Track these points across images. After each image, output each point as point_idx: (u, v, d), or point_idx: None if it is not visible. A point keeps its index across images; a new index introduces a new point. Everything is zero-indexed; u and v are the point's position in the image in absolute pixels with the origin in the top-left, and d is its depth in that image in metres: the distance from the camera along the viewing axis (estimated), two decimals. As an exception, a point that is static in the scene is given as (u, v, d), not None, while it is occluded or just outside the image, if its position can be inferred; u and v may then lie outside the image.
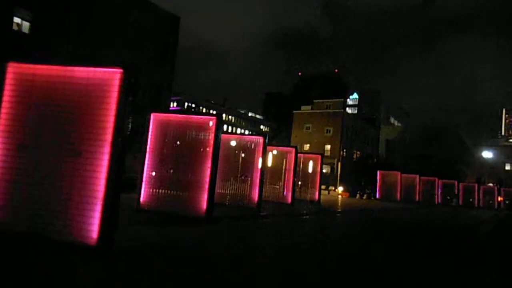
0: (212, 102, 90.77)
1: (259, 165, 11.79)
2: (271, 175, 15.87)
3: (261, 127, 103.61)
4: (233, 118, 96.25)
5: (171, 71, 20.27)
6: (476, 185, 46.49)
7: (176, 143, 8.69)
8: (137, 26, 18.06)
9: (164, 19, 19.37)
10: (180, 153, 8.63)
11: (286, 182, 15.78)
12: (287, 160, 15.87)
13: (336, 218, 14.01)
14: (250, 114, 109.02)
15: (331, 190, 39.10)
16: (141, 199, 8.42)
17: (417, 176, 36.98)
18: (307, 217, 12.49)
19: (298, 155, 18.29)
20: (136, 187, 8.40)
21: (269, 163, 15.82)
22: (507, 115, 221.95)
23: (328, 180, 37.70)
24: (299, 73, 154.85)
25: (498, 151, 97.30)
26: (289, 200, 15.28)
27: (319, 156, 19.45)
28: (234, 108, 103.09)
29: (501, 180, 73.93)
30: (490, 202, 48.16)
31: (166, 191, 8.47)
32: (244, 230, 7.98)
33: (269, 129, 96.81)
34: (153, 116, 8.82)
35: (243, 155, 12.15)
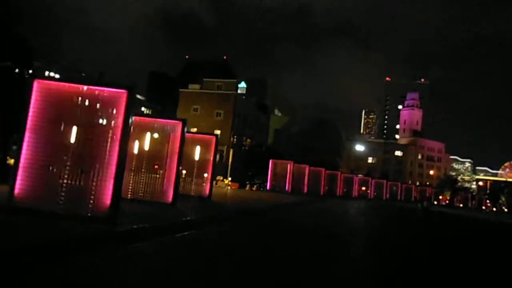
0: (83, 74, 77.28)
1: (118, 143, 6.50)
2: (148, 160, 10.65)
3: (143, 109, 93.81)
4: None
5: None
6: (354, 176, 48.73)
7: None
8: None
9: None
10: None
11: (167, 171, 10.68)
12: (171, 139, 10.75)
13: (235, 231, 9.06)
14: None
15: (219, 180, 35.25)
16: None
17: (307, 167, 35.76)
18: (194, 232, 7.42)
19: (186, 134, 13.41)
20: None
21: (147, 143, 10.59)
22: (365, 116, 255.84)
23: (216, 169, 33.53)
24: (187, 56, 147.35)
25: (364, 146, 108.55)
26: (170, 198, 10.25)
27: (213, 138, 14.77)
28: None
29: (368, 172, 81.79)
30: (363, 192, 51.60)
31: None
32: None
33: (153, 111, 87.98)
34: None
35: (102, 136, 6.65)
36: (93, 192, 6.37)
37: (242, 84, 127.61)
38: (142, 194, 10.50)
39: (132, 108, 6.74)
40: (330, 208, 21.35)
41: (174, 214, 8.41)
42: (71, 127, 6.59)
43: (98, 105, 6.64)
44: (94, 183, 6.41)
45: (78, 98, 6.67)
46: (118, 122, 6.57)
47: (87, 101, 6.71)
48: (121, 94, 6.65)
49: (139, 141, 10.42)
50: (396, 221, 16.51)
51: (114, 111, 6.60)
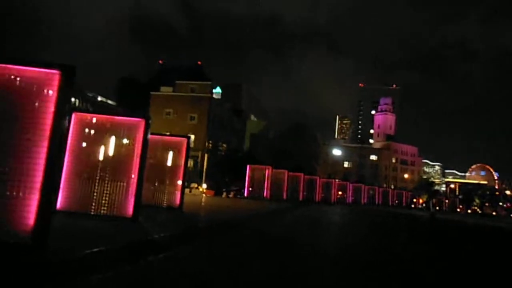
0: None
1: (47, 143, 4.79)
2: (113, 166, 8.90)
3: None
4: (77, 101, 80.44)
5: None
6: (333, 181, 47.83)
7: None
8: None
9: None
10: None
11: (131, 179, 8.95)
12: (135, 142, 9.04)
13: (201, 254, 6.55)
14: (100, 98, 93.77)
15: (193, 187, 33.35)
16: None
17: (286, 172, 34.49)
18: (148, 261, 5.55)
19: (153, 137, 11.71)
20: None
21: (111, 147, 8.89)
22: (339, 121, 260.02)
23: (190, 176, 31.58)
24: (160, 61, 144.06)
25: (340, 151, 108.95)
26: (130, 210, 8.52)
27: (184, 140, 13.10)
28: (79, 90, 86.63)
29: (345, 176, 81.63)
30: (342, 197, 50.88)
31: None
32: None
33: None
34: None
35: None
36: (9, 209, 4.62)
37: (217, 90, 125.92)
38: (105, 208, 8.73)
39: (68, 95, 5.04)
40: (313, 215, 20.04)
41: (130, 233, 6.69)
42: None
43: (20, 91, 4.92)
44: (12, 197, 4.67)
45: (-7, 82, 4.92)
46: (47, 114, 4.86)
47: (7, 86, 4.97)
48: (52, 76, 4.93)
49: (88, 143, 8.67)
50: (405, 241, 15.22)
51: (42, 100, 4.91)
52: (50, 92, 4.92)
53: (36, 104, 4.88)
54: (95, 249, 4.96)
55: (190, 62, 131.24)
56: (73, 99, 75.91)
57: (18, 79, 4.86)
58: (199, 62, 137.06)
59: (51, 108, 4.88)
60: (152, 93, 49.06)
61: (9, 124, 4.80)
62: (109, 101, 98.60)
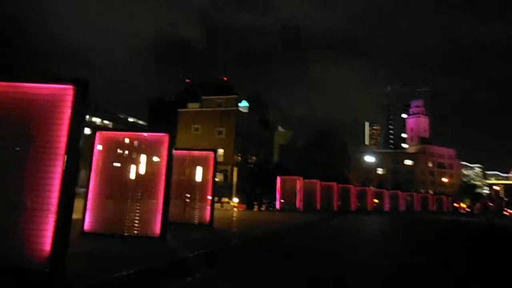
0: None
1: (62, 162, 4.51)
2: (138, 183, 8.68)
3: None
4: (110, 123, 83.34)
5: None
6: (368, 189, 46.07)
7: None
8: None
9: None
10: None
11: (157, 196, 8.68)
12: (160, 157, 8.81)
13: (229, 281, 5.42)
14: (131, 119, 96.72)
15: (224, 202, 33.02)
16: None
17: (318, 182, 33.48)
18: (179, 283, 5.05)
19: (179, 152, 11.54)
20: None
21: (137, 164, 8.73)
22: (370, 128, 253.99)
23: (221, 190, 31.31)
24: (187, 80, 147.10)
25: (373, 157, 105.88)
26: (158, 230, 8.19)
27: (211, 154, 12.80)
28: (112, 112, 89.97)
29: (379, 183, 78.95)
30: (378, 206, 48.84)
31: None
32: None
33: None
34: None
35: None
36: (24, 234, 4.34)
37: (244, 103, 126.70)
38: (131, 228, 8.46)
39: (82, 111, 4.77)
40: (351, 227, 19.03)
41: (155, 254, 6.29)
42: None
43: (33, 109, 4.69)
44: (26, 221, 4.39)
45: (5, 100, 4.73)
46: (61, 132, 4.59)
47: (19, 105, 4.76)
48: (65, 91, 4.68)
49: (114, 161, 8.49)
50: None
51: (55, 117, 4.65)
52: (64, 108, 4.67)
53: (50, 121, 4.63)
54: (115, 275, 4.57)
55: (215, 77, 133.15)
56: (106, 122, 78.22)
57: (30, 97, 4.65)
58: (225, 78, 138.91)
59: (65, 125, 4.62)
60: (179, 110, 49.80)
61: (22, 144, 4.56)
62: (140, 122, 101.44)
